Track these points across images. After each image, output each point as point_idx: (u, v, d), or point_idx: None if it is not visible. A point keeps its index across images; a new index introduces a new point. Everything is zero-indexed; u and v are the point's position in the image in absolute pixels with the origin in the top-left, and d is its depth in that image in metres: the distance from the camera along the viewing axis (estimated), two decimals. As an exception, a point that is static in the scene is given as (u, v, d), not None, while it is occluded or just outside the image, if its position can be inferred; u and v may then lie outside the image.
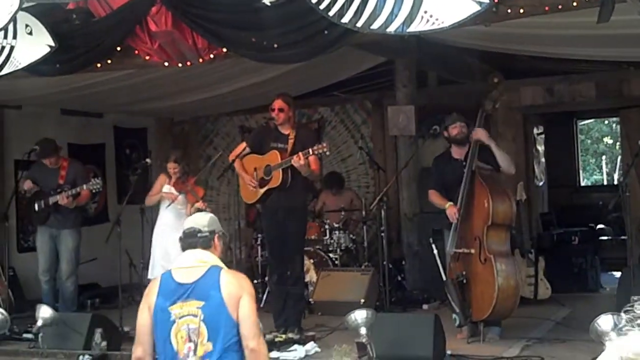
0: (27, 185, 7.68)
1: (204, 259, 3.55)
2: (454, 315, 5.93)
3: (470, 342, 6.00)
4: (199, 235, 3.61)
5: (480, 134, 6.25)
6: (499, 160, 6.31)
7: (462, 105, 9.41)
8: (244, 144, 6.81)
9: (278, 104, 6.59)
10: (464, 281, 5.93)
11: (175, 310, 3.41)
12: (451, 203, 6.21)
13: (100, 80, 7.57)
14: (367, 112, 10.27)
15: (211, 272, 3.48)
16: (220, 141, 11.03)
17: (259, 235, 8.73)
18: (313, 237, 8.34)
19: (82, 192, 7.47)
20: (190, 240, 3.62)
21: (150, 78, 7.66)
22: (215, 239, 3.66)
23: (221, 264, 3.58)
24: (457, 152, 6.51)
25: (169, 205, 7.42)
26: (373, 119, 10.18)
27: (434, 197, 6.51)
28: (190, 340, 3.38)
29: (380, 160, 9.60)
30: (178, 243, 6.87)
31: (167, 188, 7.45)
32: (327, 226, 8.54)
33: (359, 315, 5.23)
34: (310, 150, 6.20)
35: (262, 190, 6.58)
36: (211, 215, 3.80)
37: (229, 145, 10.87)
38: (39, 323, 6.06)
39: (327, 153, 6.34)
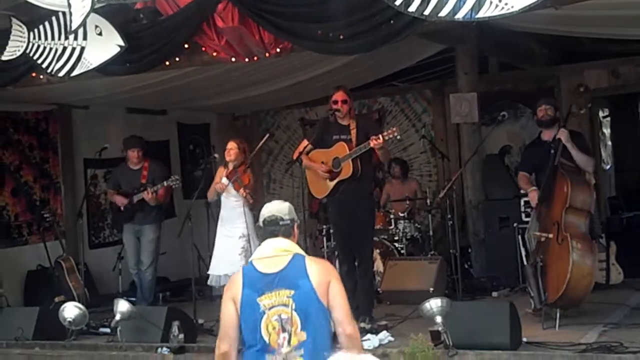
0: (120, 201, 8.08)
1: (285, 247, 3.49)
2: (530, 300, 5.91)
3: (546, 328, 5.95)
4: (281, 223, 3.53)
5: (561, 134, 6.37)
6: (575, 158, 6.40)
7: (525, 91, 9.37)
8: (305, 141, 6.78)
9: (341, 95, 6.59)
10: (541, 264, 5.91)
11: (265, 301, 3.36)
12: (535, 187, 6.41)
13: (165, 79, 7.70)
14: (427, 101, 10.21)
15: (296, 260, 3.44)
16: (282, 134, 11.08)
17: (324, 226, 8.77)
18: (378, 226, 8.31)
19: (160, 190, 7.83)
20: (272, 228, 3.54)
21: (213, 74, 7.74)
22: (295, 227, 3.60)
23: (302, 252, 3.53)
24: (546, 134, 6.64)
25: (219, 195, 7.26)
26: (434, 108, 10.12)
27: (521, 180, 6.75)
28: (284, 330, 3.32)
29: (443, 149, 9.54)
30: (231, 237, 7.02)
31: (224, 179, 7.25)
32: (392, 216, 8.53)
33: (434, 304, 5.24)
34: (381, 137, 6.20)
35: (333, 183, 6.57)
36: (289, 203, 3.70)
37: (290, 138, 10.97)
38: (117, 317, 6.20)
39: (398, 137, 6.38)
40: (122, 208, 8.05)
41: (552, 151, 6.36)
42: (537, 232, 6.17)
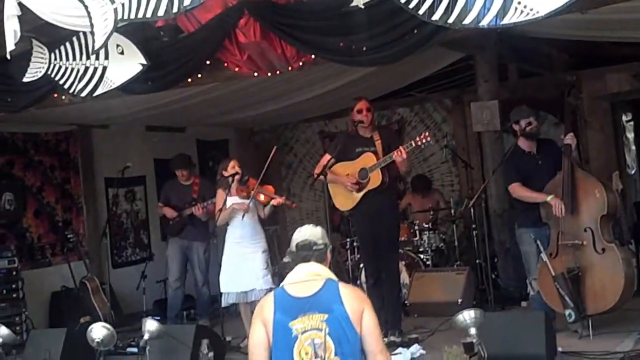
0: (169, 213, 8.22)
1: (317, 272, 3.45)
2: (567, 311, 5.79)
3: (581, 337, 5.85)
4: (314, 248, 3.50)
5: (572, 139, 6.13)
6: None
7: (544, 97, 9.28)
8: (327, 156, 6.73)
9: (365, 104, 6.61)
10: (579, 274, 5.80)
11: (297, 325, 3.31)
12: (552, 195, 6.05)
13: (185, 95, 7.68)
14: (446, 110, 10.16)
15: (329, 285, 3.39)
16: (300, 148, 11.07)
17: (348, 239, 8.72)
18: (403, 238, 8.26)
19: (210, 206, 7.84)
20: (305, 253, 3.51)
21: (233, 89, 7.71)
22: (328, 252, 3.57)
23: (335, 277, 3.49)
24: (526, 145, 6.43)
25: (243, 217, 6.93)
26: (453, 116, 10.07)
27: (524, 191, 6.29)
28: (317, 356, 3.26)
29: (464, 158, 9.48)
30: (258, 253, 6.92)
31: (233, 200, 7.02)
32: (416, 227, 8.47)
33: (468, 316, 5.12)
34: (413, 143, 6.20)
35: (361, 194, 6.52)
36: (321, 227, 3.68)
37: (309, 151, 10.96)
38: (146, 336, 6.11)
39: (432, 142, 6.28)
40: (171, 221, 8.19)
41: (539, 162, 6.26)
42: (567, 242, 5.98)
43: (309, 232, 3.58)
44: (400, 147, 6.20)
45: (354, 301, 3.36)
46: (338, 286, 3.39)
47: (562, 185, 6.01)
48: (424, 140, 6.17)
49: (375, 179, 6.40)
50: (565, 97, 6.32)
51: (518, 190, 6.33)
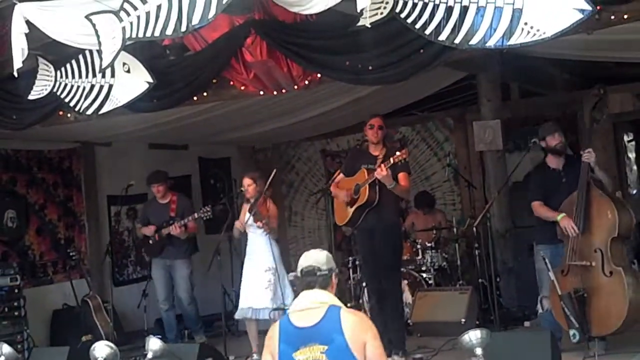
0: (148, 230, 8.10)
1: (321, 300, 3.42)
2: (572, 331, 5.76)
3: (586, 357, 5.83)
4: (318, 274, 3.47)
5: (590, 156, 6.06)
6: (602, 180, 6.17)
7: (547, 117, 9.30)
8: (339, 172, 6.90)
9: (378, 121, 6.64)
10: (585, 295, 5.76)
11: (299, 356, 3.31)
12: (564, 214, 6.03)
13: (189, 114, 7.68)
14: (449, 129, 10.17)
15: (331, 314, 3.36)
16: (302, 166, 11.07)
17: (350, 258, 8.71)
18: (406, 257, 8.25)
19: (189, 223, 7.82)
20: (309, 279, 3.48)
21: (237, 107, 7.72)
22: (333, 277, 3.54)
23: (339, 303, 3.46)
24: (554, 162, 6.42)
25: (238, 234, 7.27)
26: (455, 135, 10.07)
27: (541, 209, 6.33)
28: None
29: (466, 177, 9.48)
30: (257, 270, 6.94)
31: (247, 216, 7.17)
32: (419, 246, 8.45)
33: (474, 336, 5.09)
34: (391, 159, 6.17)
35: (352, 210, 6.57)
36: (327, 252, 3.66)
37: (311, 170, 10.97)
38: (149, 355, 6.09)
39: (407, 159, 6.28)
40: (150, 241, 8.06)
41: (563, 179, 6.22)
42: (574, 263, 5.91)
43: (313, 258, 3.55)
44: (381, 164, 6.21)
45: (356, 330, 3.33)
46: (340, 314, 3.36)
47: (576, 203, 5.99)
48: (399, 158, 6.16)
49: (363, 195, 6.46)
50: (590, 111, 6.25)
51: (537, 208, 6.38)
